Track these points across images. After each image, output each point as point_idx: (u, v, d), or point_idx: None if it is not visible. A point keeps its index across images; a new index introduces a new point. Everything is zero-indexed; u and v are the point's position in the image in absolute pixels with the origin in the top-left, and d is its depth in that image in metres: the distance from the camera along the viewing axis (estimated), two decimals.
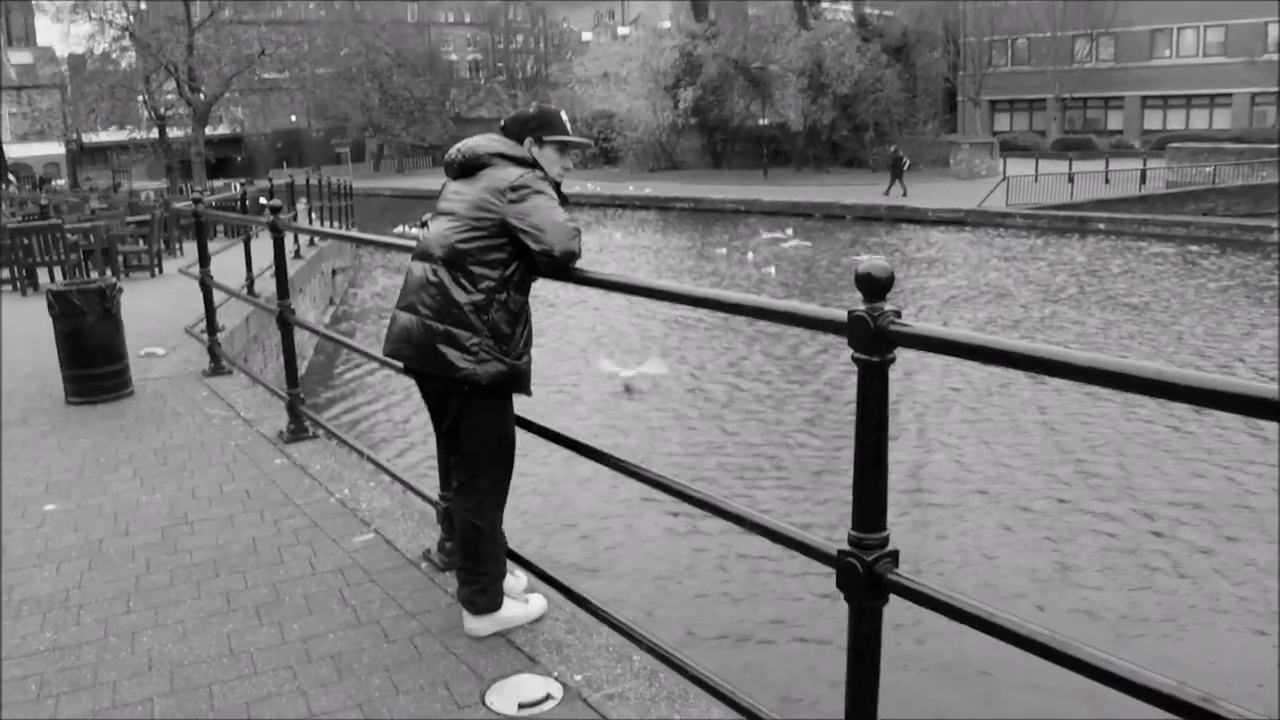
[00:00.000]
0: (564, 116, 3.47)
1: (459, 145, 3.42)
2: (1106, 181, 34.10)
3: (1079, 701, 5.75)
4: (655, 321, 18.19)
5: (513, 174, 3.25)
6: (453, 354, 3.23)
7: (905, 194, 36.36)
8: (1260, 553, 8.27)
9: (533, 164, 3.33)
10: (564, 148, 3.44)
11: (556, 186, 3.36)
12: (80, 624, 3.85)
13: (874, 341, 2.17)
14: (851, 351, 2.21)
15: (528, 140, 3.37)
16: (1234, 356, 14.97)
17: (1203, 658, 6.87)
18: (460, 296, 3.23)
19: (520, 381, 3.35)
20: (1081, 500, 9.52)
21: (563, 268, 3.22)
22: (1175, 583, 7.90)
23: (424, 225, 3.45)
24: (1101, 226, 29.51)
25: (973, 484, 9.97)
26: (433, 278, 3.28)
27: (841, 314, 2.23)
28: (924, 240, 28.89)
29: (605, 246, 30.18)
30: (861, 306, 2.17)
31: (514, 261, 3.25)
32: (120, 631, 3.77)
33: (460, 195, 3.33)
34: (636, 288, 3.19)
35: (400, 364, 3.48)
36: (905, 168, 37.71)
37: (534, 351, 3.42)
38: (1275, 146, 35.24)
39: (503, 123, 3.47)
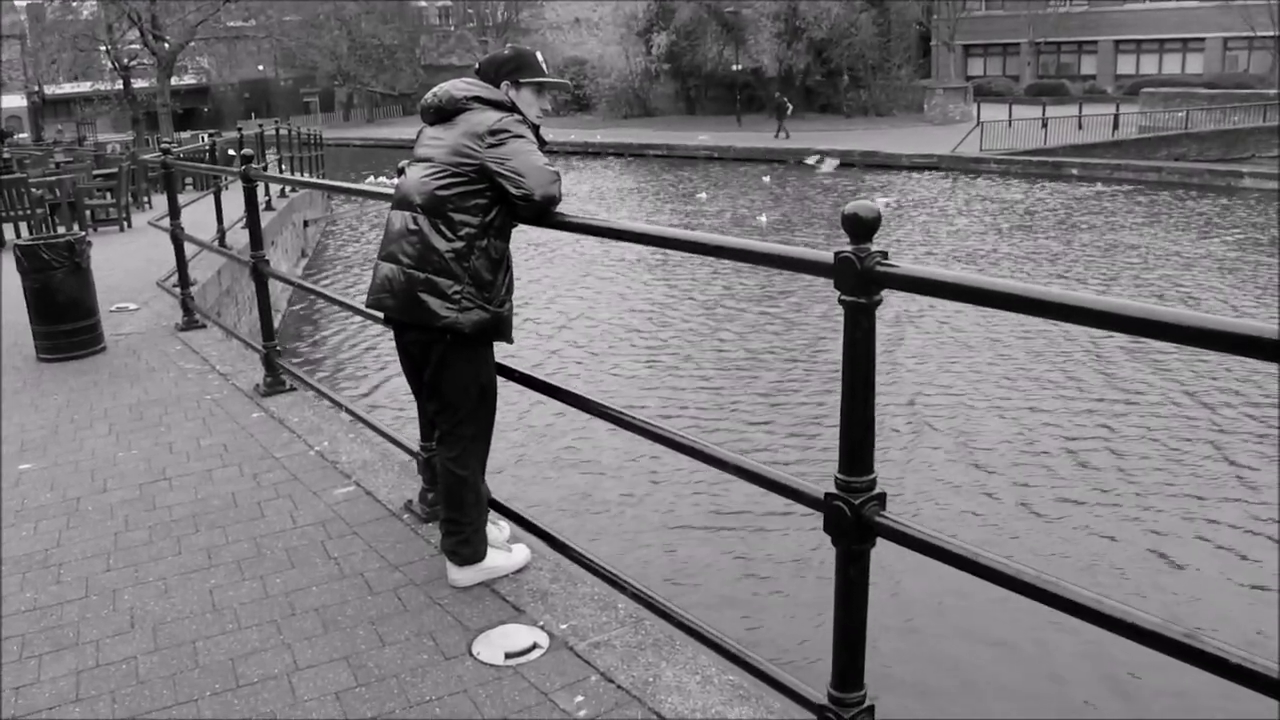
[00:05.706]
0: (540, 57, 3.41)
1: (435, 90, 3.35)
2: (1080, 127, 34.13)
3: (1063, 635, 5.83)
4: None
5: (491, 118, 3.19)
6: (434, 302, 3.18)
7: (787, 136, 39.54)
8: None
9: (511, 107, 3.28)
10: (541, 89, 3.39)
11: (535, 130, 3.30)
12: (60, 583, 3.81)
13: (861, 283, 2.14)
14: (838, 294, 2.18)
15: (504, 83, 3.31)
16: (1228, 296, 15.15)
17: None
18: (440, 244, 3.18)
19: (502, 328, 3.32)
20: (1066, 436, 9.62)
21: (543, 212, 3.18)
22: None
23: (401, 172, 3.39)
24: (1075, 172, 29.68)
25: (954, 425, 10.04)
26: (412, 226, 3.23)
27: (828, 255, 2.20)
28: (898, 186, 28.86)
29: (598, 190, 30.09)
30: (848, 247, 2.14)
31: (494, 207, 3.21)
32: (101, 590, 3.73)
33: (438, 141, 3.27)
34: (618, 231, 3.15)
35: (379, 315, 3.43)
36: (788, 113, 41.12)
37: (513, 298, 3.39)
38: (1246, 92, 35.24)
39: (478, 66, 3.40)
